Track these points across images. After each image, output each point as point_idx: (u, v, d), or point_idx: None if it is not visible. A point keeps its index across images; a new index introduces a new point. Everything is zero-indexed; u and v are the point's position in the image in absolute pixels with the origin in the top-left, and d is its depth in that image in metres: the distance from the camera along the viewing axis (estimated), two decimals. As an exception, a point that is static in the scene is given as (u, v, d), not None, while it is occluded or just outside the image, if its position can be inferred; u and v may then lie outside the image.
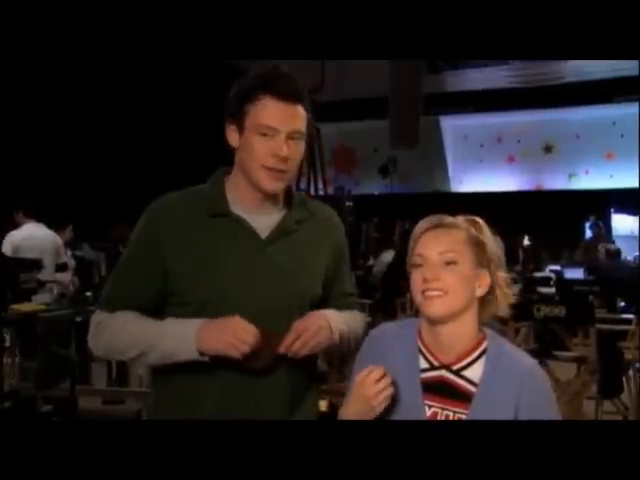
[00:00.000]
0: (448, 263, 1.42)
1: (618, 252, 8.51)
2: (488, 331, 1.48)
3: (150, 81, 9.92)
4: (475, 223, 1.48)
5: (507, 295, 1.49)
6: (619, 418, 5.43)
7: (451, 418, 1.42)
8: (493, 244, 1.48)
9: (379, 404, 1.40)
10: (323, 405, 1.92)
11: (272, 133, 1.58)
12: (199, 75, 9.83)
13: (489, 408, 1.40)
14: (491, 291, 1.47)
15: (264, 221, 1.65)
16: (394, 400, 1.45)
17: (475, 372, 1.43)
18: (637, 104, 9.33)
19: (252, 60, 1.70)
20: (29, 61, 7.69)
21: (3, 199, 6.87)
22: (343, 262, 1.80)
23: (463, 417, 1.41)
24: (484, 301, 1.47)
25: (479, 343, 1.45)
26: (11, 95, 8.47)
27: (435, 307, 1.41)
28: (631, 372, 5.29)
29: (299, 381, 1.68)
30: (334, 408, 1.58)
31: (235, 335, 1.51)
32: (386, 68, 9.43)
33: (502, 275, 1.48)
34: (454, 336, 1.44)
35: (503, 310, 1.50)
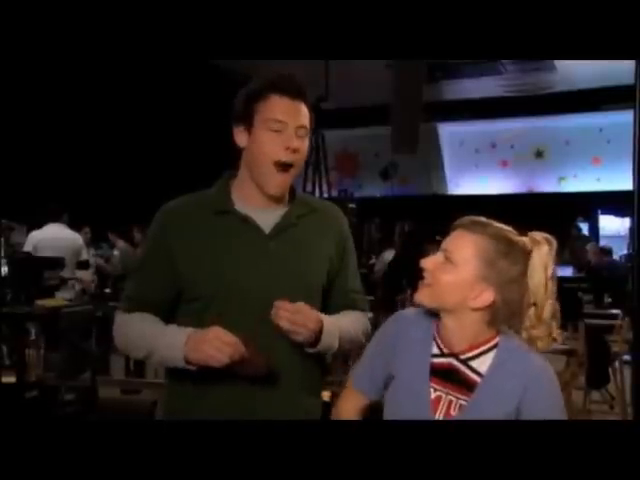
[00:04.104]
0: (446, 260, 1.43)
1: (610, 250, 8.56)
2: (504, 328, 1.46)
3: (172, 87, 9.94)
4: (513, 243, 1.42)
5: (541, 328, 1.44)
6: (605, 407, 5.43)
7: (454, 404, 1.42)
8: (514, 270, 1.41)
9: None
10: (326, 395, 1.91)
11: (281, 127, 1.58)
12: (213, 84, 9.83)
13: (491, 399, 1.39)
14: (499, 309, 1.42)
15: (268, 218, 1.64)
16: (402, 380, 1.47)
17: (483, 363, 1.43)
18: (623, 112, 9.29)
19: (255, 62, 1.65)
20: (47, 69, 7.69)
21: (29, 202, 6.89)
22: (347, 254, 1.76)
23: (464, 404, 1.41)
24: (496, 314, 1.43)
25: (492, 338, 1.44)
26: (33, 100, 8.49)
27: (419, 294, 1.46)
28: (617, 364, 5.29)
29: (304, 373, 1.67)
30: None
31: (213, 346, 1.47)
32: (387, 78, 9.42)
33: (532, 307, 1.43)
34: (455, 329, 1.44)
35: (546, 345, 1.45)
